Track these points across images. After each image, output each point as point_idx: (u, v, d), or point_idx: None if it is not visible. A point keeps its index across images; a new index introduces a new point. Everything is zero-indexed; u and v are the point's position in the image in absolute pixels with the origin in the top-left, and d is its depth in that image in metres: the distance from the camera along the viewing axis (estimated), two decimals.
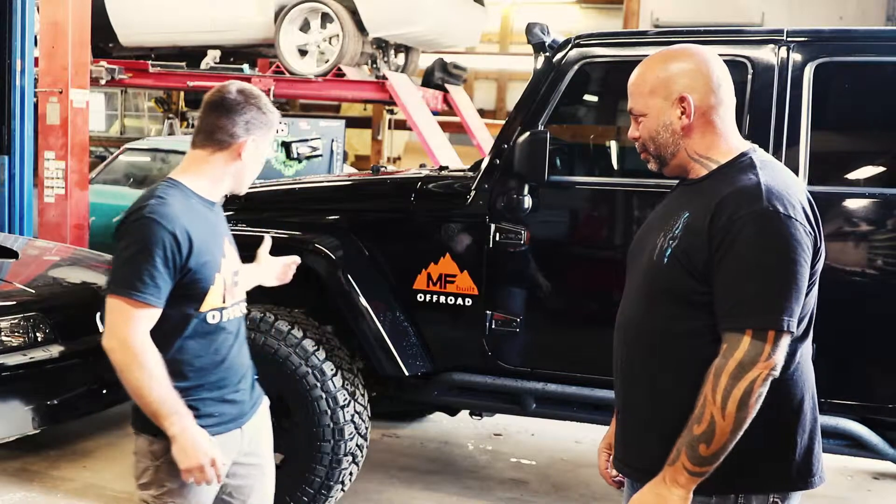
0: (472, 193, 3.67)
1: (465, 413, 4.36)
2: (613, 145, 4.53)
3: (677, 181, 2.05)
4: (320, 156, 8.26)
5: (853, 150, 3.62)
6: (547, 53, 3.72)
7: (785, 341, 1.78)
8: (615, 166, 4.46)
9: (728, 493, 1.86)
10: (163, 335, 2.16)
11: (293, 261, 2.71)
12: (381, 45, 9.59)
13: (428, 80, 10.12)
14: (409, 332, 3.76)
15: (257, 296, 3.84)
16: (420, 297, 3.75)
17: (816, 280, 1.88)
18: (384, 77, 9.17)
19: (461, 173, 3.88)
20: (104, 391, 4.13)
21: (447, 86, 10.08)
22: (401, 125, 13.46)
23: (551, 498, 4.41)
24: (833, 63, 3.34)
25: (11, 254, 4.88)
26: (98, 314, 4.05)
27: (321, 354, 3.67)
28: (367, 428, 3.78)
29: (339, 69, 9.00)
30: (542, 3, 19.34)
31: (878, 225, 3.29)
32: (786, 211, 1.78)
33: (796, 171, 3.20)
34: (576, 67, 3.56)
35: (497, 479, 4.63)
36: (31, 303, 4.07)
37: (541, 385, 3.65)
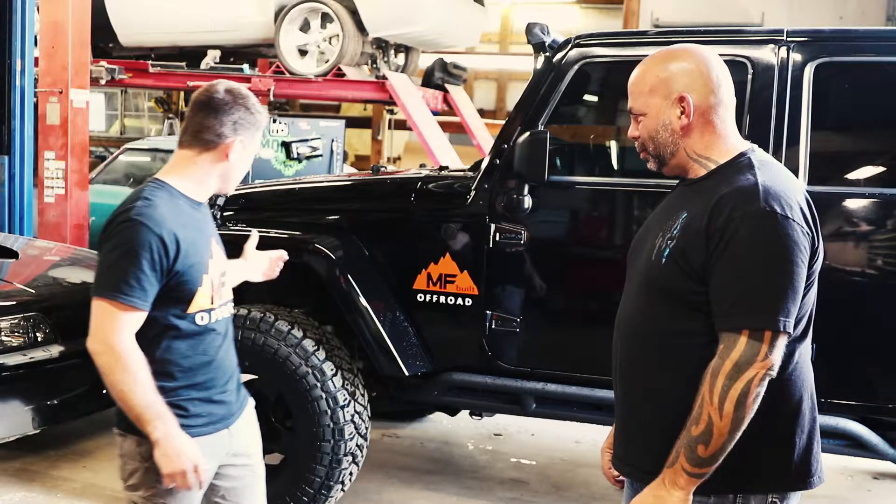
0: (472, 193, 3.67)
1: (465, 413, 4.36)
2: (613, 145, 4.53)
3: (677, 181, 2.05)
4: (320, 156, 8.26)
5: (853, 150, 3.62)
6: (547, 53, 3.72)
7: (782, 341, 1.78)
8: (615, 166, 4.46)
9: (726, 493, 1.86)
10: (150, 337, 2.15)
11: (279, 255, 2.67)
12: (381, 45, 9.58)
13: (428, 80, 10.10)
14: (408, 332, 3.76)
15: (257, 296, 3.87)
16: (420, 297, 3.75)
17: (815, 280, 1.88)
18: (384, 77, 9.15)
19: (461, 173, 3.88)
20: (104, 391, 4.11)
21: (447, 86, 10.06)
22: (401, 125, 13.44)
23: (551, 498, 4.41)
24: (833, 63, 3.35)
25: (11, 254, 4.88)
26: None
27: (321, 354, 3.66)
28: (367, 428, 3.78)
29: (339, 69, 8.99)
30: (542, 3, 19.32)
31: (877, 225, 3.29)
32: (783, 211, 1.78)
33: (796, 172, 3.20)
34: (576, 67, 3.56)
35: (497, 479, 4.63)
36: (31, 303, 4.07)
37: (541, 385, 3.65)
